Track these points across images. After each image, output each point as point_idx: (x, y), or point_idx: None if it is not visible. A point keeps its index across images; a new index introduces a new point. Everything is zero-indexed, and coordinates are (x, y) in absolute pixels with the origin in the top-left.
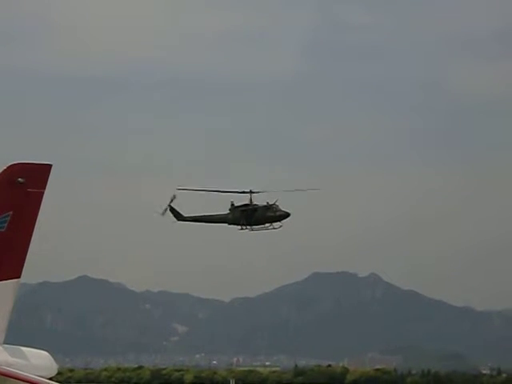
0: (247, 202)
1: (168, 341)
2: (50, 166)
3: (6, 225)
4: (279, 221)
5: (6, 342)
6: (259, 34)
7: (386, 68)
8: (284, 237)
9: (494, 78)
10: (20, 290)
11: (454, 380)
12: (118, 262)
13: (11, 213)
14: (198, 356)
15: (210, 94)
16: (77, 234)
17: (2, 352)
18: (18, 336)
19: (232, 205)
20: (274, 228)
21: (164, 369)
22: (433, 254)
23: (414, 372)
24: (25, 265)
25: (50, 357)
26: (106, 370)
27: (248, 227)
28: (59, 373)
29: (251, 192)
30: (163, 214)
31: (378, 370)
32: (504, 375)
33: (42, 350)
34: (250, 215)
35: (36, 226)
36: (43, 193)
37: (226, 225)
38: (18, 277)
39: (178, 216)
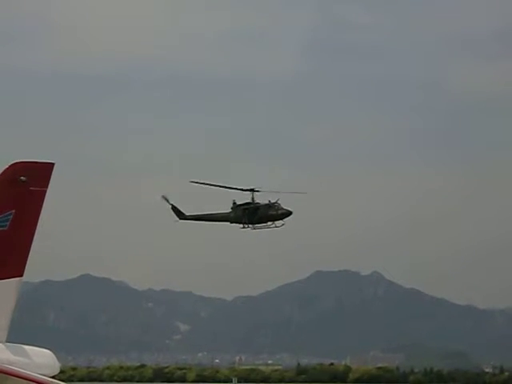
0: (249, 200)
1: (170, 339)
2: (52, 164)
3: (8, 223)
4: (281, 219)
5: (8, 341)
6: (259, 34)
7: (386, 68)
8: (286, 235)
9: (493, 78)
10: (22, 289)
11: (457, 378)
12: (120, 260)
13: (13, 211)
14: (200, 354)
15: (210, 93)
16: (79, 232)
17: (4, 350)
18: (20, 334)
19: (234, 203)
20: (276, 226)
21: (166, 367)
22: (435, 253)
23: (416, 370)
24: (27, 263)
25: (53, 355)
26: (108, 368)
27: (250, 226)
28: (62, 371)
29: (253, 190)
30: (170, 205)
31: (380, 368)
32: (506, 373)
33: (45, 348)
34: (252, 214)
35: (38, 225)
36: (45, 191)
37: (228, 223)
38: (21, 275)
39: (180, 215)
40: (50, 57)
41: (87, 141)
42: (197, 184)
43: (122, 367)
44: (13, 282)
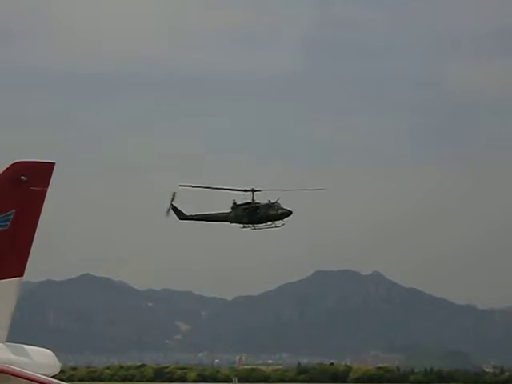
0: (249, 200)
1: (171, 339)
2: (52, 164)
3: (9, 223)
4: (281, 219)
5: (8, 340)
6: (258, 33)
7: (385, 66)
8: (286, 235)
9: (492, 76)
10: (22, 289)
11: (457, 378)
12: (120, 260)
13: (14, 211)
14: (200, 354)
15: (209, 92)
16: (79, 232)
17: (4, 350)
18: (20, 334)
19: (234, 203)
20: (277, 226)
21: (167, 367)
22: (435, 252)
23: (416, 370)
24: (27, 263)
25: (53, 355)
26: (108, 368)
27: (250, 226)
28: (62, 371)
29: (253, 190)
30: (167, 213)
31: (380, 368)
32: (507, 373)
33: (45, 348)
34: (252, 213)
35: (39, 224)
36: (46, 191)
37: (228, 223)
38: (21, 275)
39: (180, 215)
40: (50, 55)
41: (87, 140)
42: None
43: (122, 367)
44: (13, 281)
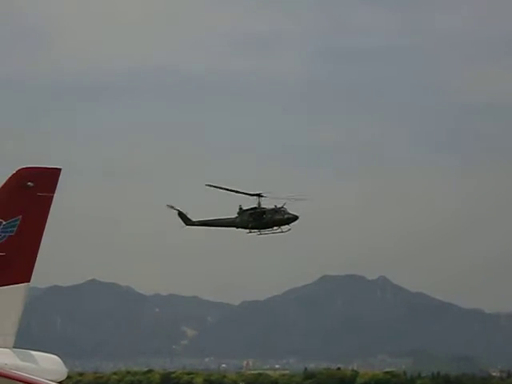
0: (255, 205)
1: (177, 344)
2: (59, 170)
3: (15, 229)
4: (288, 224)
5: (15, 346)
6: (263, 36)
7: (391, 70)
8: (293, 240)
9: (498, 79)
10: (29, 295)
11: (464, 382)
12: (127, 265)
13: (21, 217)
14: (207, 359)
15: (212, 94)
16: (85, 237)
17: (12, 356)
18: (27, 340)
19: (240, 208)
20: (282, 231)
21: (174, 372)
22: (441, 257)
23: (423, 375)
24: (34, 269)
25: (60, 360)
26: (115, 373)
27: (256, 231)
28: (69, 376)
29: (259, 195)
30: (178, 213)
31: (387, 372)
32: None
33: (52, 353)
34: (259, 218)
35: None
36: (53, 197)
37: (235, 228)
38: (28, 281)
39: (187, 221)
40: (50, 58)
41: (91, 144)
42: (213, 188)
43: (129, 372)
44: (20, 287)
